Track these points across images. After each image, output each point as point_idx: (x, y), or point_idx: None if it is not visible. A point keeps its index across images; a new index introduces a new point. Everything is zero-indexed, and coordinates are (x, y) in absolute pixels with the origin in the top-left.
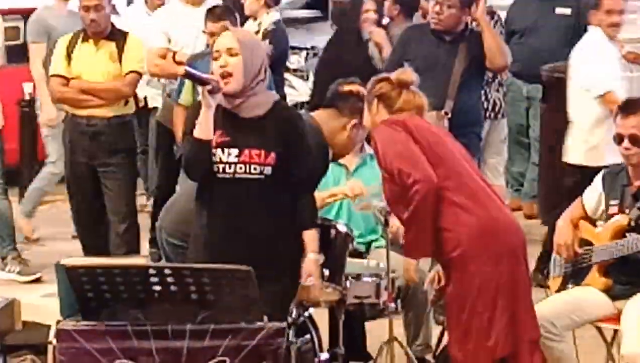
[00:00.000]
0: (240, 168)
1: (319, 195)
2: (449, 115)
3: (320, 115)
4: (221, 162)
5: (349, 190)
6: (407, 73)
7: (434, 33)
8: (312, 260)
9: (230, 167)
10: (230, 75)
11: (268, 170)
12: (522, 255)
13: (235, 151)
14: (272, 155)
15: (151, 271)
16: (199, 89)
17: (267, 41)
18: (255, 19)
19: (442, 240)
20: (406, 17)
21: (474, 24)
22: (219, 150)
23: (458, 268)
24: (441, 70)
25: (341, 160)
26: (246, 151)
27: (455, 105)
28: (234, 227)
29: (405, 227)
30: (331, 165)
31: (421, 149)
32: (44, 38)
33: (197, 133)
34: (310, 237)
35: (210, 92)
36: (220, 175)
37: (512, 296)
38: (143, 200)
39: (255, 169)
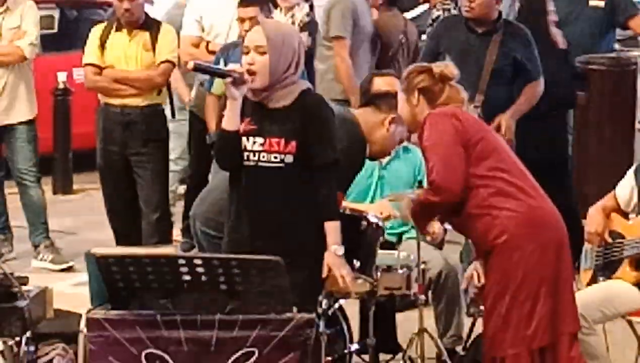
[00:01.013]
0: (264, 156)
1: (348, 205)
2: (479, 109)
3: (358, 113)
4: (246, 150)
5: (377, 211)
6: (450, 67)
7: (467, 24)
8: (331, 253)
9: (254, 155)
10: (254, 73)
11: (289, 158)
12: (565, 248)
13: (260, 140)
14: (293, 143)
15: (181, 261)
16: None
17: (306, 33)
18: (288, 10)
19: (489, 226)
20: (390, 5)
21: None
22: (244, 139)
23: (502, 256)
24: (473, 63)
25: None
26: (269, 140)
27: (485, 99)
28: (258, 215)
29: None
30: None
31: (473, 141)
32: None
33: (224, 124)
34: (331, 229)
35: (234, 84)
36: (245, 163)
37: (555, 288)
38: (178, 190)
39: (275, 157)
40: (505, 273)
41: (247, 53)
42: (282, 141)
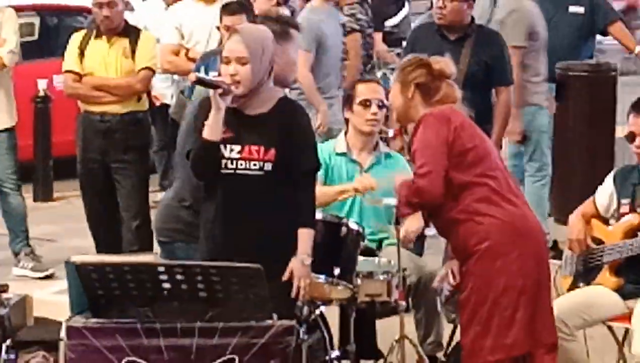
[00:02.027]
0: (242, 164)
1: (330, 190)
2: None
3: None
4: (224, 157)
5: (359, 184)
6: (449, 65)
7: (439, 32)
8: (298, 260)
9: (232, 163)
10: (239, 82)
11: (268, 166)
12: (545, 257)
13: (237, 147)
14: (272, 151)
15: (160, 269)
16: (210, 91)
17: None
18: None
19: (472, 231)
20: (278, 5)
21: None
22: (222, 146)
23: (484, 262)
24: None
25: (355, 158)
26: (247, 147)
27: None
28: (236, 223)
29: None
30: (345, 162)
31: (465, 148)
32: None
33: (206, 133)
34: (304, 236)
35: (221, 95)
36: (223, 171)
37: (535, 297)
38: (157, 197)
39: (255, 165)
40: (486, 280)
41: (228, 63)
42: (262, 149)
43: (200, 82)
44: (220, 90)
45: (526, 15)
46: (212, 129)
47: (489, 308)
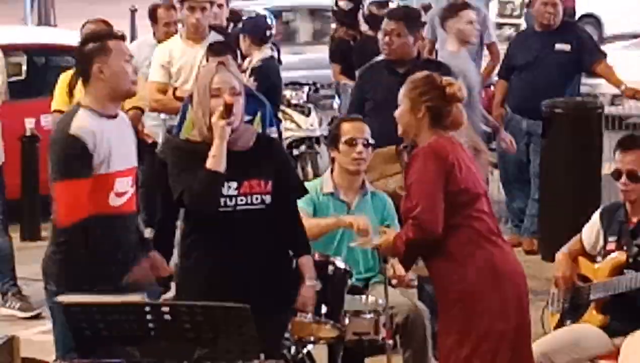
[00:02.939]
0: (242, 200)
1: (323, 220)
2: (408, 149)
3: None
4: (222, 195)
5: (355, 222)
6: (461, 89)
7: (388, 67)
8: (310, 286)
9: (231, 200)
10: (233, 113)
11: (268, 198)
12: (526, 300)
13: (234, 184)
14: (270, 183)
15: (147, 308)
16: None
17: (252, 78)
18: (248, 57)
19: (454, 274)
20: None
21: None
22: None
23: (465, 305)
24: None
25: (343, 197)
26: (246, 183)
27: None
28: (236, 260)
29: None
30: (332, 201)
31: (464, 185)
32: None
33: (211, 165)
34: (309, 263)
35: (228, 123)
36: (221, 209)
37: (515, 343)
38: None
39: (257, 198)
40: (467, 324)
41: (219, 96)
42: (262, 182)
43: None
44: (229, 119)
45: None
46: (217, 159)
47: (469, 352)
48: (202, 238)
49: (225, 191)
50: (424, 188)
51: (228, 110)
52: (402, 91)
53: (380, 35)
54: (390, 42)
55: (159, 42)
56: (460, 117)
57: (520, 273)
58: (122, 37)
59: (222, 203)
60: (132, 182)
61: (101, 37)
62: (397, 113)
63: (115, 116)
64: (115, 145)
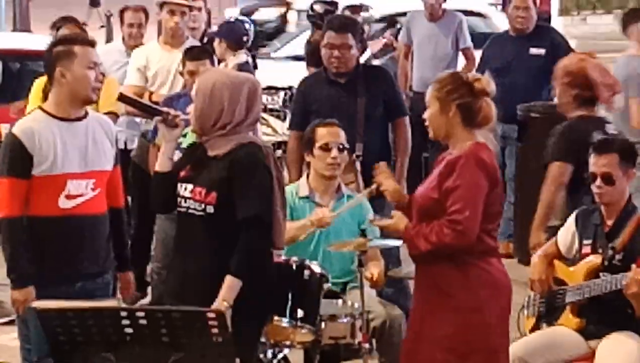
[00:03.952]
0: (192, 204)
1: (289, 225)
2: (360, 158)
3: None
4: (179, 195)
5: (314, 217)
6: (489, 83)
7: (327, 78)
8: (213, 306)
9: (185, 201)
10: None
11: (210, 208)
12: (508, 313)
13: (190, 186)
14: (213, 194)
15: (123, 313)
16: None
17: None
18: (223, 61)
19: (455, 280)
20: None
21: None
22: (179, 185)
23: (464, 313)
24: (345, 114)
25: (318, 200)
26: (196, 188)
27: (365, 147)
28: (182, 261)
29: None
30: (308, 204)
31: (496, 201)
32: None
33: (157, 165)
34: (227, 283)
35: (165, 124)
36: (179, 209)
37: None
38: None
39: (200, 205)
40: (458, 334)
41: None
42: (204, 191)
43: (125, 100)
44: (159, 118)
45: None
46: (161, 160)
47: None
48: (174, 240)
49: (182, 192)
50: (472, 195)
51: (148, 110)
52: (430, 93)
53: (327, 51)
54: (342, 57)
55: (126, 45)
56: (491, 112)
57: (510, 288)
58: (91, 43)
59: (180, 204)
60: (94, 185)
61: (68, 42)
62: (426, 115)
63: (78, 119)
64: (70, 148)
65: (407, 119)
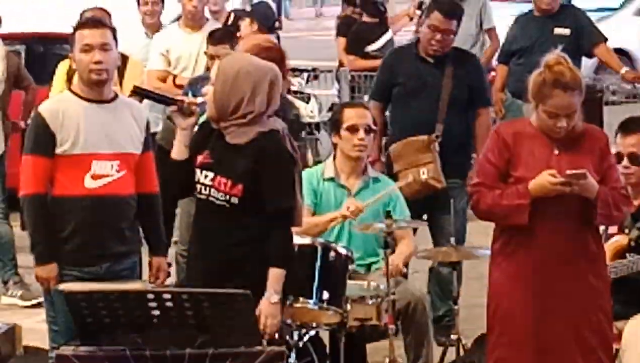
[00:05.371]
0: (213, 192)
1: (319, 220)
2: (440, 139)
3: None
4: (199, 182)
5: (346, 211)
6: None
7: (418, 55)
8: (265, 300)
9: (205, 189)
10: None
11: (235, 199)
12: None
13: (210, 174)
14: (239, 186)
15: (149, 296)
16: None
17: None
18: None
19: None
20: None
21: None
22: (198, 171)
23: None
24: (430, 93)
25: (343, 182)
26: (218, 177)
27: (445, 129)
28: (206, 247)
29: None
30: (333, 187)
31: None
32: None
33: (172, 152)
34: (273, 276)
35: (180, 113)
36: (198, 196)
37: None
38: None
39: (222, 196)
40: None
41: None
42: (230, 182)
43: (140, 93)
44: (174, 107)
45: None
46: (177, 148)
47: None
48: (194, 225)
49: (202, 179)
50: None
51: (162, 100)
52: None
53: (427, 29)
54: (442, 40)
55: (145, 26)
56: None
57: None
58: (94, 25)
59: (199, 190)
60: (119, 167)
61: (76, 27)
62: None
63: (106, 101)
64: (96, 129)
65: (489, 109)
